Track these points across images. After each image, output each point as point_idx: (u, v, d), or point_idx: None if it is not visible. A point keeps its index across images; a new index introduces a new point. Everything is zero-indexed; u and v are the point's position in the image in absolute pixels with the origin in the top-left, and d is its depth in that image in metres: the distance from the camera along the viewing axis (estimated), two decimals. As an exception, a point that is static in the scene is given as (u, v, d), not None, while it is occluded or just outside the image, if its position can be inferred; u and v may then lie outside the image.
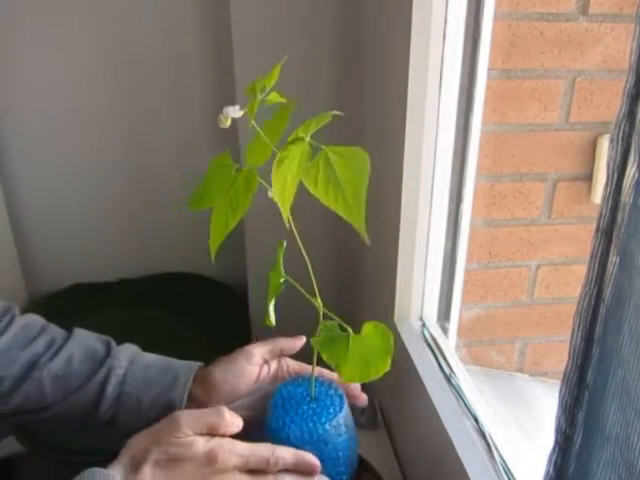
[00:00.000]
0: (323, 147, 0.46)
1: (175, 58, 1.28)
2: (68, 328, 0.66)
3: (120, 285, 1.42)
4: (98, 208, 1.39)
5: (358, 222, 0.46)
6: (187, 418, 0.50)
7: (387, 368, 0.56)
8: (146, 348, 1.12)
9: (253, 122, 0.48)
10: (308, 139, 0.47)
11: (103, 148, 1.34)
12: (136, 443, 0.50)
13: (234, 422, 0.52)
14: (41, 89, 1.27)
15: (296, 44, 1.05)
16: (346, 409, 0.59)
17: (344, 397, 0.60)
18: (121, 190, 1.39)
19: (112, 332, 1.16)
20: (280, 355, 0.65)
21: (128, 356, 0.63)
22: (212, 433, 0.51)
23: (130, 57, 1.27)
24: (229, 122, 0.47)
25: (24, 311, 1.41)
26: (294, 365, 0.65)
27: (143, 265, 1.44)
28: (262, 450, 0.51)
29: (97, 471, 0.48)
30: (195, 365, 0.63)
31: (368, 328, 0.56)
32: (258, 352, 0.62)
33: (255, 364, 0.62)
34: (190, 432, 0.50)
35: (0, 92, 1.25)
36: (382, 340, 0.55)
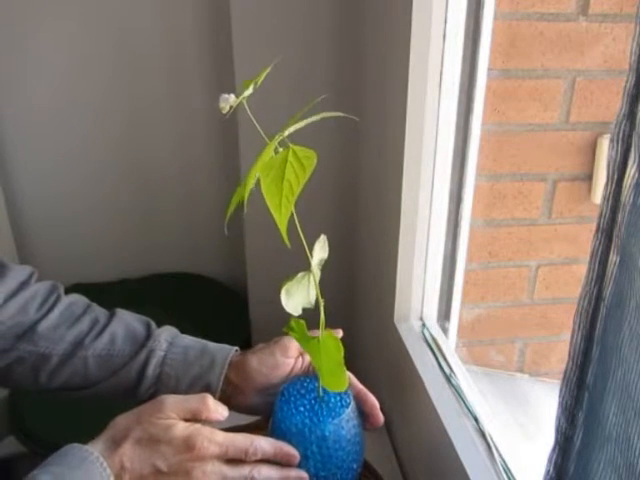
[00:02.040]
0: (290, 145, 0.47)
1: (174, 49, 1.27)
2: (110, 308, 0.68)
3: (120, 285, 1.42)
4: (98, 209, 1.39)
5: (282, 222, 0.48)
6: (172, 401, 0.52)
7: (346, 384, 0.56)
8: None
9: (249, 111, 0.48)
10: (280, 136, 0.48)
11: (104, 150, 1.34)
12: (119, 422, 0.51)
13: (218, 410, 0.53)
14: (42, 91, 1.27)
15: (295, 44, 1.05)
16: (351, 409, 0.59)
17: (351, 397, 0.60)
18: (121, 191, 1.39)
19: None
20: None
21: (167, 338, 0.64)
22: (195, 419, 0.52)
23: (128, 49, 1.27)
24: (227, 109, 0.48)
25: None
26: None
27: (143, 265, 1.44)
28: (241, 440, 0.52)
29: (76, 446, 0.49)
30: (231, 349, 0.64)
31: (327, 336, 0.56)
32: (294, 345, 0.63)
33: (291, 357, 0.63)
34: (173, 415, 0.51)
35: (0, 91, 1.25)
36: (336, 352, 0.55)
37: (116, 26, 1.24)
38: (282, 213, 0.47)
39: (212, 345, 0.64)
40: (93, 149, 1.34)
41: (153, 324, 0.66)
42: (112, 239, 1.42)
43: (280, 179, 0.47)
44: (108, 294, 1.37)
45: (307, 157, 0.47)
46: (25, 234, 1.38)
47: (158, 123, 1.34)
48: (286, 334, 0.59)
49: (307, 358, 0.65)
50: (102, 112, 1.31)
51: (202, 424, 0.52)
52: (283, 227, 0.48)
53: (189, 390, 0.61)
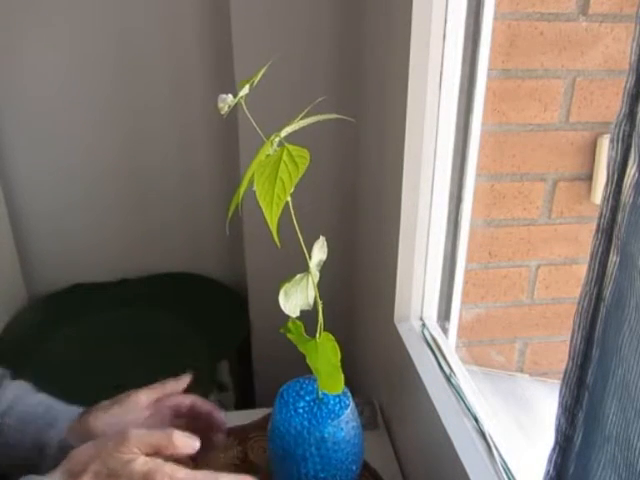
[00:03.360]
0: (285, 145, 0.47)
1: (175, 56, 1.27)
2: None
3: (120, 285, 1.42)
4: (98, 208, 1.39)
5: (272, 220, 0.48)
6: (135, 434, 0.50)
7: (342, 386, 0.56)
8: (146, 348, 1.13)
9: (245, 110, 0.48)
10: (276, 137, 0.48)
11: (103, 148, 1.34)
12: (79, 453, 0.49)
13: (187, 444, 0.51)
14: (42, 90, 1.27)
15: (295, 45, 1.05)
16: (351, 411, 0.59)
17: (350, 399, 0.60)
18: (121, 190, 1.39)
19: (112, 332, 1.16)
20: (167, 396, 0.66)
21: (14, 391, 0.64)
22: (160, 453, 0.50)
23: (129, 55, 1.27)
24: (225, 109, 0.48)
25: (23, 311, 1.41)
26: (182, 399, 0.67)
27: (143, 265, 1.44)
28: (203, 478, 0.50)
29: (33, 477, 0.47)
30: (76, 411, 0.64)
31: (324, 338, 0.56)
32: (144, 398, 0.63)
33: (140, 411, 0.63)
34: (136, 449, 0.49)
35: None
36: (332, 354, 0.55)
37: (116, 29, 1.24)
38: (273, 211, 0.47)
39: (58, 405, 0.64)
40: (93, 149, 1.34)
41: (7, 379, 0.66)
42: (112, 239, 1.42)
43: (273, 178, 0.47)
44: (108, 294, 1.37)
45: (301, 156, 0.47)
46: (25, 234, 1.38)
47: (158, 123, 1.33)
48: (284, 335, 0.58)
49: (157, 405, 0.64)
50: (102, 114, 1.31)
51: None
52: (273, 225, 0.48)
53: (26, 446, 0.60)
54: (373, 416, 0.90)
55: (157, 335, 1.17)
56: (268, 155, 0.48)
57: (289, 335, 0.58)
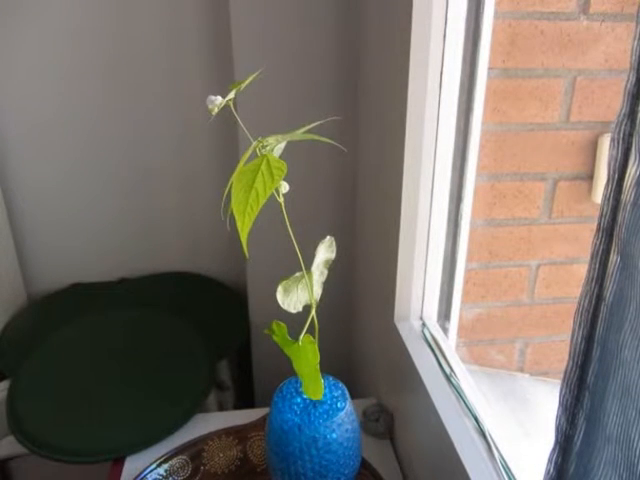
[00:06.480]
0: (266, 154, 0.47)
1: (174, 56, 1.27)
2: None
3: (120, 285, 1.42)
4: (98, 208, 1.39)
5: (243, 229, 0.47)
6: None
7: (321, 392, 0.56)
8: (146, 348, 1.12)
9: (235, 114, 0.48)
10: (259, 144, 0.48)
11: (103, 148, 1.34)
12: None
13: None
14: (40, 88, 1.27)
15: (295, 44, 1.05)
16: (346, 414, 0.59)
17: (347, 401, 0.60)
18: (121, 190, 1.39)
19: (112, 332, 1.16)
20: None
21: None
22: None
23: (128, 55, 1.27)
24: (215, 110, 0.49)
25: (23, 311, 1.41)
26: None
27: (143, 265, 1.44)
28: None
29: None
30: None
31: (305, 341, 0.56)
32: None
33: None
34: None
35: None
36: (312, 357, 0.55)
37: (114, 31, 1.24)
38: (245, 222, 0.46)
39: None
40: (93, 149, 1.34)
41: None
42: (112, 239, 1.42)
43: (249, 187, 0.46)
44: (108, 294, 1.37)
45: (277, 167, 0.47)
46: (25, 234, 1.38)
47: (158, 122, 1.33)
48: (269, 336, 0.58)
49: None
50: (102, 112, 1.31)
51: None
52: (244, 235, 0.47)
53: None
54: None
55: (157, 335, 1.16)
56: (250, 162, 0.47)
57: (274, 337, 0.57)
